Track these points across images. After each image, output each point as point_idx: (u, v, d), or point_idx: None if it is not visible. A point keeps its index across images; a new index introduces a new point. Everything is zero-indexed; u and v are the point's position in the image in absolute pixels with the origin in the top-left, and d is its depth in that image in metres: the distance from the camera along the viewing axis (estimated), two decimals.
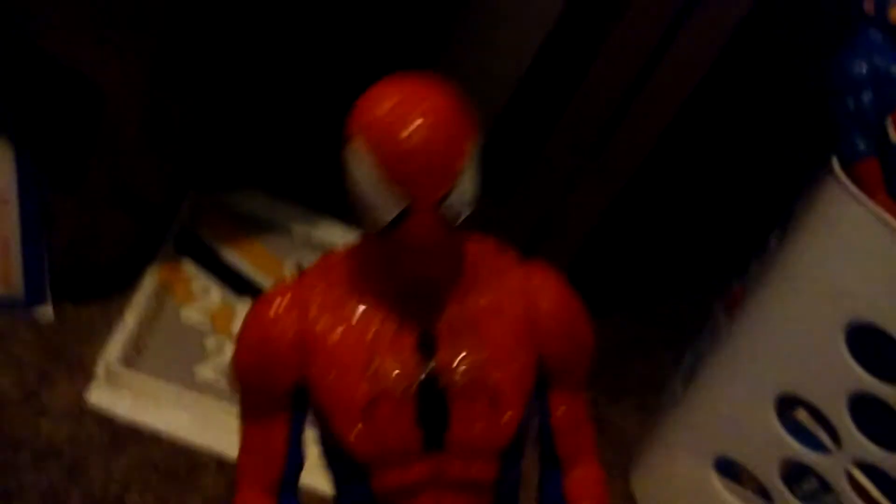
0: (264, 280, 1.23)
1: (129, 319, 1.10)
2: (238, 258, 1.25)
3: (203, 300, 1.18)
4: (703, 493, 1.09)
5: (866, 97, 0.97)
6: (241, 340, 0.64)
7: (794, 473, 1.03)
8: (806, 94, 1.42)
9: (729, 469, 1.08)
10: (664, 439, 1.16)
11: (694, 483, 1.10)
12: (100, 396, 1.02)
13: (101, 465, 0.96)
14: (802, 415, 1.02)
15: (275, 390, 0.63)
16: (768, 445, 1.03)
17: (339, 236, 1.28)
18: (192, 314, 1.16)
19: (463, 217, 0.58)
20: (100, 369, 1.04)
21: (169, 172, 1.19)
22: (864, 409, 0.96)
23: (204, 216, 1.27)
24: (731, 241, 1.39)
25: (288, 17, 1.30)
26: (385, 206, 0.56)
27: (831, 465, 1.00)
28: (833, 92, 0.99)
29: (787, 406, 1.02)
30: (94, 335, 1.08)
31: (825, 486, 1.02)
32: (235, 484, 0.67)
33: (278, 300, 0.62)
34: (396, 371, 0.61)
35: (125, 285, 1.15)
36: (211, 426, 1.02)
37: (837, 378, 0.97)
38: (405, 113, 0.55)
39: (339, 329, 0.61)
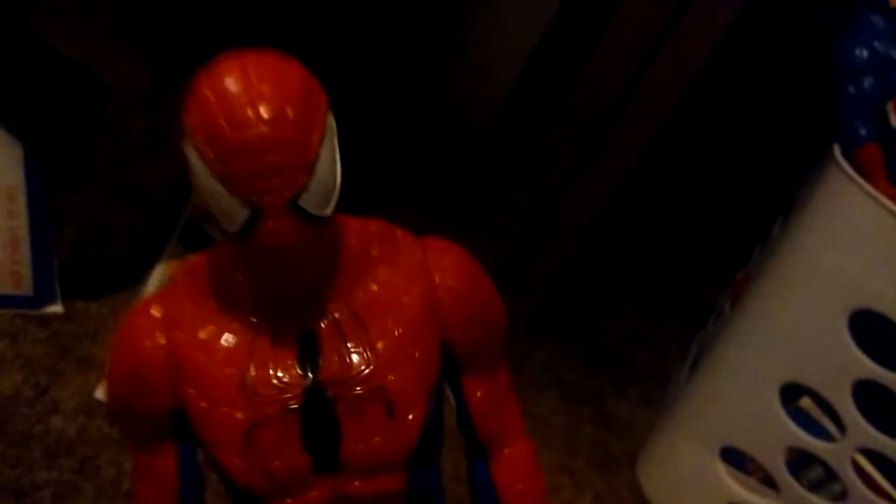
0: None
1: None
2: None
3: None
4: (709, 482, 1.10)
5: (867, 83, 0.97)
6: (111, 367, 0.58)
7: (800, 462, 1.03)
8: (807, 81, 1.43)
9: (735, 458, 1.08)
10: (670, 430, 1.16)
11: (700, 472, 1.11)
12: None
13: (112, 461, 0.97)
14: (807, 403, 1.02)
15: (151, 420, 0.57)
16: (773, 434, 1.03)
17: None
18: None
19: (328, 210, 0.51)
20: None
21: (174, 168, 1.20)
22: (868, 396, 0.97)
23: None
24: (735, 232, 1.39)
25: (291, 11, 1.30)
26: (230, 209, 0.49)
27: (836, 453, 1.00)
28: (834, 78, 0.99)
29: (791, 394, 1.02)
30: (104, 331, 1.09)
31: (830, 474, 1.02)
32: None
33: (143, 322, 0.56)
34: (275, 388, 0.54)
35: (133, 281, 1.15)
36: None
37: (841, 366, 0.97)
38: (239, 104, 0.47)
39: (211, 346, 0.55)
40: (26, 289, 1.08)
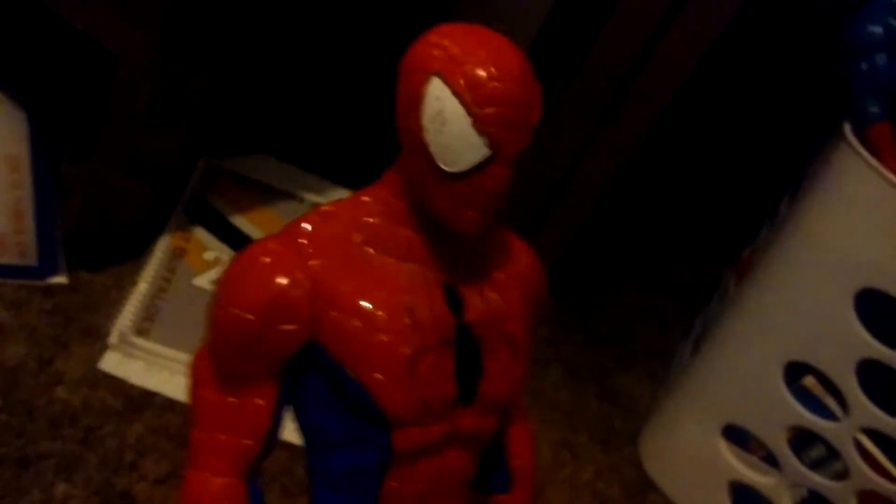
0: None
1: (143, 287, 1.11)
2: (249, 225, 1.25)
3: (215, 267, 1.19)
4: (711, 459, 1.10)
5: (881, 60, 0.96)
6: (238, 296, 0.56)
7: (802, 440, 1.04)
8: (819, 56, 1.41)
9: (737, 436, 1.09)
10: (672, 407, 1.16)
11: (702, 450, 1.11)
12: (114, 364, 1.03)
13: (116, 432, 0.97)
14: (810, 381, 1.02)
15: (276, 353, 0.57)
16: (776, 412, 1.04)
17: None
18: (204, 281, 1.17)
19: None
20: (114, 337, 1.05)
21: (181, 139, 1.20)
22: (872, 376, 0.97)
23: (215, 183, 1.28)
24: (741, 209, 1.38)
25: None
26: (469, 149, 0.53)
27: (839, 432, 1.00)
28: (847, 54, 0.98)
29: (795, 373, 1.02)
30: (108, 303, 1.09)
31: (833, 453, 1.02)
32: (191, 464, 0.59)
33: (279, 249, 0.56)
34: (434, 319, 0.58)
35: (138, 252, 1.15)
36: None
37: (846, 345, 0.97)
38: (497, 60, 0.53)
39: (358, 280, 0.56)
40: (31, 259, 1.08)
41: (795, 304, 1.02)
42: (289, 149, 1.35)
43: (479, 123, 0.53)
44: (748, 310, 1.07)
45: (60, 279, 1.09)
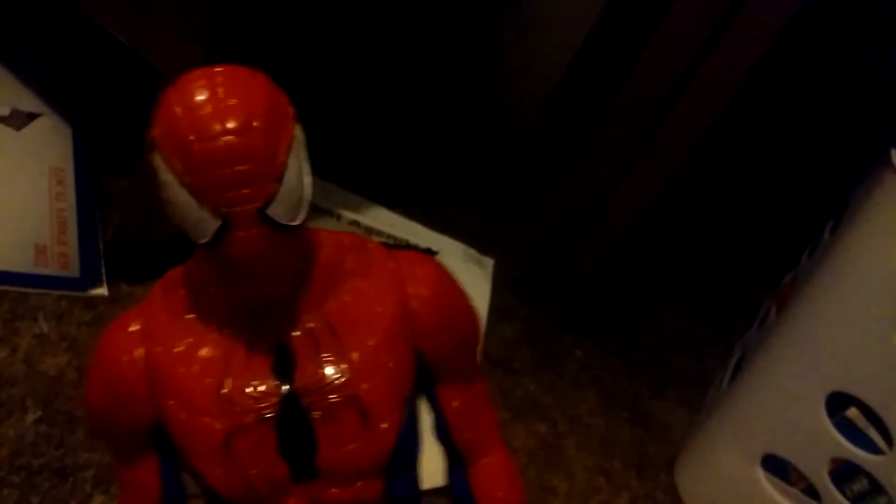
0: None
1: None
2: None
3: None
4: (749, 490, 1.08)
5: None
6: (89, 380, 0.59)
7: (844, 473, 1.02)
8: (864, 82, 1.40)
9: (777, 467, 1.07)
10: (710, 435, 1.15)
11: (740, 480, 1.09)
12: None
13: None
14: (854, 413, 1.00)
15: (131, 432, 0.58)
16: (818, 444, 1.02)
17: (385, 222, 1.28)
18: None
19: (298, 220, 0.52)
20: None
21: None
22: None
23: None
24: (782, 234, 1.37)
25: (340, 3, 1.30)
26: (200, 220, 0.50)
27: (883, 466, 0.99)
28: (891, 80, 0.97)
29: (838, 404, 1.01)
30: None
31: (876, 487, 1.00)
32: None
33: (122, 335, 0.57)
34: (252, 398, 0.55)
35: (177, 265, 1.16)
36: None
37: (891, 376, 0.95)
38: (207, 116, 0.49)
39: (188, 358, 0.56)
40: (73, 270, 1.09)
41: (839, 333, 1.00)
42: (326, 166, 1.35)
43: (195, 193, 0.49)
44: (790, 338, 1.05)
45: (101, 291, 1.09)
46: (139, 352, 0.56)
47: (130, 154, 1.11)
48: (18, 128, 1.14)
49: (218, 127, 0.49)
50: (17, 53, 1.18)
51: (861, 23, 1.50)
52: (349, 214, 1.32)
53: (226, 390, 0.55)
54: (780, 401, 1.05)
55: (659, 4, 1.14)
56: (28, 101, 1.15)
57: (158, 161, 0.50)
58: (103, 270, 1.11)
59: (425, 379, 0.61)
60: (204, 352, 0.56)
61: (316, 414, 0.56)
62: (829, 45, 1.56)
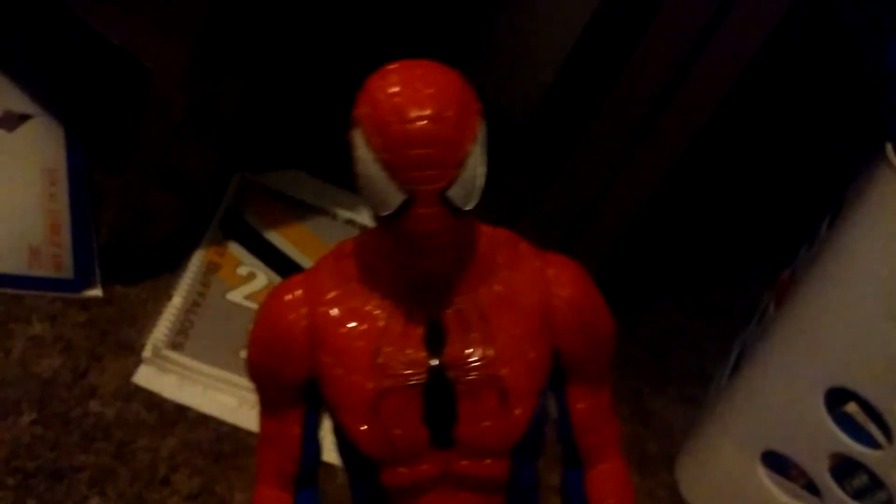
0: (309, 262, 1.23)
1: (177, 301, 1.11)
2: (283, 240, 1.25)
3: (249, 282, 1.19)
4: (749, 486, 1.08)
5: None
6: (253, 335, 0.64)
7: (844, 468, 1.02)
8: (860, 76, 1.39)
9: (777, 463, 1.07)
10: (710, 431, 1.14)
11: (740, 476, 1.09)
12: (147, 378, 1.03)
13: (149, 447, 0.97)
14: (853, 408, 1.00)
15: (286, 385, 0.62)
16: (817, 440, 1.02)
17: None
18: (238, 296, 1.17)
19: (471, 205, 0.57)
20: (147, 351, 1.05)
21: (215, 153, 1.20)
22: None
23: (250, 198, 1.28)
24: (780, 229, 1.37)
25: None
26: (388, 194, 0.55)
27: (883, 461, 0.98)
28: (889, 75, 0.96)
29: (837, 399, 1.00)
30: (143, 316, 1.09)
31: (876, 482, 1.00)
32: (255, 477, 0.66)
33: (289, 295, 0.62)
34: (403, 364, 0.59)
35: (173, 266, 1.15)
36: (256, 409, 1.02)
37: (889, 370, 0.95)
38: (406, 102, 0.54)
39: (349, 322, 0.60)
40: (66, 272, 1.08)
41: (837, 328, 1.00)
42: (322, 165, 1.35)
43: (388, 168, 0.54)
44: (788, 334, 1.05)
45: (95, 292, 1.09)
46: (304, 310, 0.61)
47: (123, 154, 1.11)
48: (11, 129, 1.13)
49: (415, 112, 0.54)
50: (9, 55, 1.18)
51: (858, 17, 1.49)
52: (344, 213, 1.32)
53: (380, 355, 0.59)
54: (779, 397, 1.05)
55: (654, 1, 1.14)
56: (20, 103, 1.14)
57: (358, 138, 0.55)
58: (97, 272, 1.10)
59: (556, 376, 0.64)
60: (364, 317, 0.60)
61: (459, 387, 0.60)
62: (824, 40, 1.56)
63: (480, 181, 0.57)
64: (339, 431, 0.63)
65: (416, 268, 0.58)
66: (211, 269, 1.18)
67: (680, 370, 1.35)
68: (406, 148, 0.54)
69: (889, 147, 0.95)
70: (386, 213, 0.55)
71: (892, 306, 0.94)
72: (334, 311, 0.61)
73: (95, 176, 1.19)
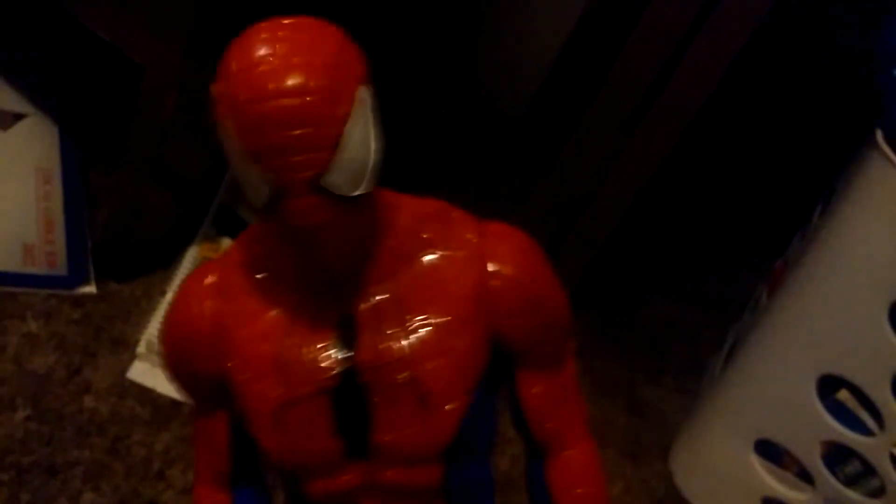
0: None
1: (171, 297, 1.11)
2: None
3: None
4: (743, 474, 1.08)
5: None
6: (163, 329, 0.58)
7: (836, 455, 1.02)
8: (850, 64, 1.39)
9: (769, 451, 1.07)
10: (704, 421, 1.15)
11: (734, 465, 1.09)
12: (142, 373, 1.04)
13: (143, 441, 0.97)
14: (845, 395, 1.00)
15: (201, 384, 0.57)
16: (810, 427, 1.02)
17: None
18: None
19: (361, 190, 0.48)
20: (142, 347, 1.05)
21: (208, 150, 1.20)
22: None
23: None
24: (772, 219, 1.37)
25: None
26: (255, 185, 0.48)
27: (874, 448, 0.98)
28: (879, 62, 0.96)
29: (828, 387, 1.00)
30: (137, 312, 1.09)
31: (868, 469, 1.00)
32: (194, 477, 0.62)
33: (195, 288, 0.55)
34: (310, 369, 0.52)
35: (166, 263, 1.16)
36: None
37: (881, 358, 0.95)
38: (262, 74, 0.45)
39: (252, 320, 0.54)
40: (60, 269, 1.09)
41: (828, 316, 1.00)
42: None
43: (249, 155, 0.46)
44: (780, 322, 1.05)
45: (89, 289, 1.09)
46: (209, 305, 0.54)
47: (117, 151, 1.11)
48: (5, 128, 1.13)
49: (272, 86, 0.45)
50: (2, 54, 1.18)
51: (848, 3, 1.49)
52: None
53: (283, 359, 0.53)
54: (771, 385, 1.05)
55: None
56: (14, 102, 1.15)
57: (220, 114, 0.47)
58: (91, 268, 1.11)
59: (503, 362, 0.57)
60: (269, 314, 0.53)
61: (374, 391, 0.53)
62: (813, 28, 1.55)
63: (373, 159, 0.48)
64: (251, 439, 0.57)
65: (310, 262, 0.51)
66: None
67: (675, 361, 1.36)
68: (264, 132, 0.45)
69: (879, 134, 0.95)
70: (258, 205, 0.48)
71: (883, 294, 0.94)
72: (239, 307, 0.54)
73: (89, 174, 1.20)
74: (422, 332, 0.53)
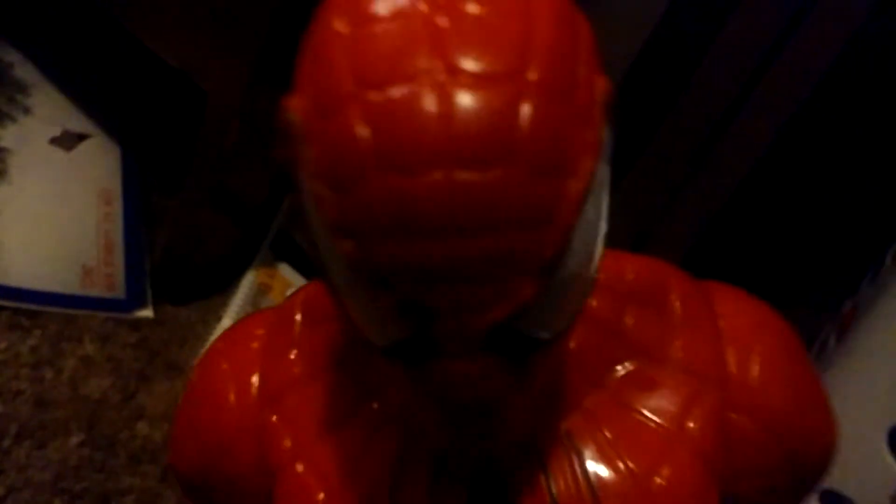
0: None
1: (227, 322, 1.11)
2: None
3: None
4: None
5: None
6: (177, 437, 0.39)
7: None
8: None
9: (836, 503, 1.03)
10: None
11: None
12: None
13: None
14: None
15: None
16: (879, 480, 0.98)
17: None
18: None
19: (566, 322, 0.28)
20: None
21: (268, 176, 1.20)
22: None
23: (301, 220, 1.28)
24: (843, 257, 1.33)
25: None
26: (373, 314, 0.27)
27: None
28: None
29: None
30: (193, 337, 1.09)
31: None
32: None
33: (226, 374, 0.35)
34: None
35: (224, 287, 1.16)
36: None
37: None
38: (406, 120, 0.23)
39: (326, 444, 0.33)
40: (118, 292, 1.09)
41: None
42: None
43: (364, 271, 0.25)
44: (850, 369, 1.01)
45: (146, 313, 1.09)
46: (251, 404, 0.34)
47: (178, 175, 1.11)
48: (68, 149, 1.15)
49: (435, 147, 0.23)
50: (67, 75, 1.19)
51: None
52: None
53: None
54: (840, 435, 1.02)
55: (721, 12, 1.11)
56: (78, 122, 1.16)
57: (305, 183, 0.27)
58: (149, 292, 1.11)
59: None
60: (354, 447, 0.33)
61: None
62: (891, 60, 1.51)
63: (592, 268, 0.28)
64: None
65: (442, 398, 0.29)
66: (261, 290, 1.18)
67: None
68: (409, 240, 0.24)
69: None
70: (379, 344, 0.28)
71: None
72: (305, 417, 0.34)
73: (150, 196, 1.20)
74: (611, 491, 0.32)
